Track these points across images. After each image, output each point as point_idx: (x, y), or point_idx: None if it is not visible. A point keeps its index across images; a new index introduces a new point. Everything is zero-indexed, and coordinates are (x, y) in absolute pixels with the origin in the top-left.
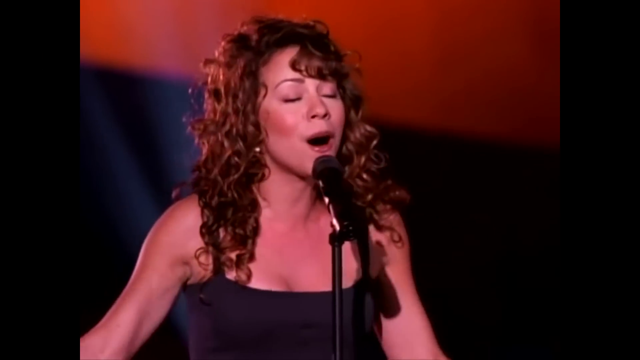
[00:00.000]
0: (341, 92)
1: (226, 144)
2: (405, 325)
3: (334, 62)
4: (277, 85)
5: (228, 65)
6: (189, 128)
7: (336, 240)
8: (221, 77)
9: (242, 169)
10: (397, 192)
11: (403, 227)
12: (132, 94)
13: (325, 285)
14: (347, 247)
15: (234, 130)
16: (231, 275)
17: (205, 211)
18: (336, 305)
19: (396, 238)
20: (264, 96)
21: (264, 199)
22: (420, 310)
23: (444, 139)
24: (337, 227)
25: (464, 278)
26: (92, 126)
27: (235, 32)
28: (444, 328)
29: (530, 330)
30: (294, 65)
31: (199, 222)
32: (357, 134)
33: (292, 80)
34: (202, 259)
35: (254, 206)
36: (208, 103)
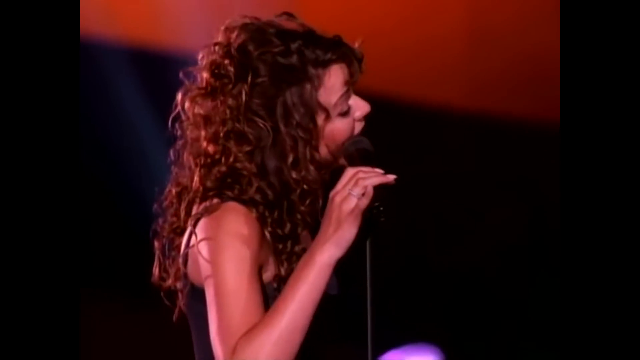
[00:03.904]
0: None
1: (295, 175)
2: None
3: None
4: (336, 105)
5: (266, 85)
6: (221, 144)
7: (369, 221)
8: (269, 98)
9: (309, 189)
10: None
11: None
12: (163, 74)
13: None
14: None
15: (301, 159)
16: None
17: (272, 235)
18: (368, 294)
19: None
20: (326, 119)
21: None
22: None
23: (474, 120)
24: (368, 209)
25: (494, 256)
26: (123, 106)
27: (258, 45)
28: (471, 307)
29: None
30: (347, 83)
31: (259, 230)
32: None
33: (346, 94)
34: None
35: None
36: (242, 123)
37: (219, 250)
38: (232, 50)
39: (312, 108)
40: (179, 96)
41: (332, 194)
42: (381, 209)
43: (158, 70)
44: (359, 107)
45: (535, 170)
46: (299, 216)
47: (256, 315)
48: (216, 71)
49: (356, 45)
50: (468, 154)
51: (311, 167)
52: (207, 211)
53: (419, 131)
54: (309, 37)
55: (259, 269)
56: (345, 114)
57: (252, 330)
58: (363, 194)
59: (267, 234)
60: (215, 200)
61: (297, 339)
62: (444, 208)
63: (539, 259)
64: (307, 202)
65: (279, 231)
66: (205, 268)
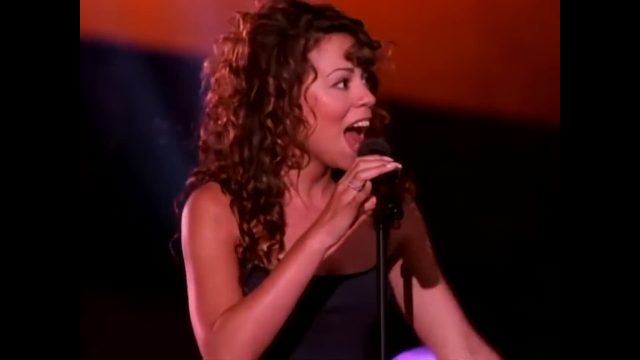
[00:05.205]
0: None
1: (269, 124)
2: (435, 309)
3: (376, 52)
4: (329, 74)
5: (263, 43)
6: (211, 105)
7: (381, 223)
8: (253, 54)
9: (283, 152)
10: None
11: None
12: (177, 75)
13: (346, 268)
14: (360, 227)
15: (279, 112)
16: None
17: (235, 201)
18: (381, 291)
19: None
20: (313, 80)
21: (290, 184)
22: (447, 289)
23: (483, 118)
24: (382, 210)
25: (504, 253)
26: (137, 108)
27: (264, 10)
28: (476, 301)
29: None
30: (348, 56)
31: (228, 210)
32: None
33: (344, 69)
34: (239, 249)
35: (281, 192)
36: (227, 81)
37: (193, 230)
38: (246, 16)
39: (300, 64)
40: (205, 66)
41: (337, 184)
42: (395, 211)
43: (171, 71)
44: (364, 94)
45: (544, 164)
46: (264, 178)
47: (233, 291)
48: (228, 37)
49: (382, 43)
50: (475, 149)
51: (288, 122)
52: (185, 193)
53: (426, 128)
54: (322, 10)
55: (234, 249)
56: (340, 89)
57: (235, 307)
58: (363, 186)
59: (234, 204)
60: (191, 179)
61: (279, 318)
62: (454, 205)
63: (548, 253)
64: (278, 159)
65: (244, 192)
66: (183, 248)
